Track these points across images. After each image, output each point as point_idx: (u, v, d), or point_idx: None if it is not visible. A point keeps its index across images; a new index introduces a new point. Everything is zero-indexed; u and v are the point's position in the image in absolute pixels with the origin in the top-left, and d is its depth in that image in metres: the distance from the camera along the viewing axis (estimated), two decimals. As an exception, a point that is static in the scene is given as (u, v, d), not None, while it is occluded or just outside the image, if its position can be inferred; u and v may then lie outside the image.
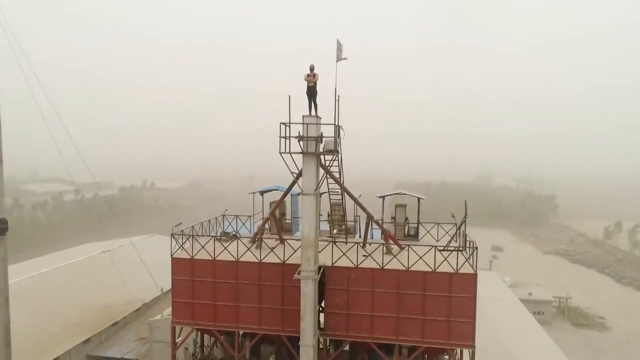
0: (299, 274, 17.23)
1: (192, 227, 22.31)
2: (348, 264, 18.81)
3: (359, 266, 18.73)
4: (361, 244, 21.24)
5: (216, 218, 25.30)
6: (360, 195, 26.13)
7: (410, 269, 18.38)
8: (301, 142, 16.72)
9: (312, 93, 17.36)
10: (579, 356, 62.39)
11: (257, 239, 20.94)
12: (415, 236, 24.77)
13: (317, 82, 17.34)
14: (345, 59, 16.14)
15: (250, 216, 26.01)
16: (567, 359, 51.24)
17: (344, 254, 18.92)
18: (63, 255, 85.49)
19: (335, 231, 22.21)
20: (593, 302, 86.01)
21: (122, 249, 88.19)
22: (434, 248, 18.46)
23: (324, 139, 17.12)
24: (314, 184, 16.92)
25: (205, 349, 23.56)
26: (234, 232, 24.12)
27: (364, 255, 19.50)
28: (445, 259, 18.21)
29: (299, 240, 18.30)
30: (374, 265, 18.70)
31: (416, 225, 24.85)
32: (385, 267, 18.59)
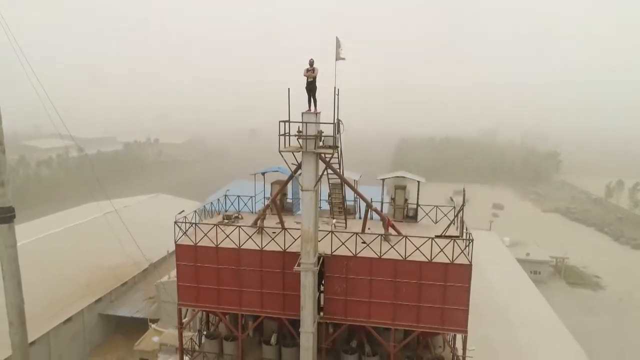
0: (298, 265, 17.78)
1: (195, 211, 22.75)
2: (347, 253, 19.31)
3: (358, 255, 19.24)
4: (360, 233, 21.74)
5: (218, 199, 25.70)
6: (360, 177, 26.38)
7: (407, 258, 18.88)
8: (300, 140, 16.73)
9: (311, 88, 17.16)
10: (572, 315, 64.72)
11: (258, 225, 21.40)
12: (414, 217, 25.20)
13: (317, 77, 17.09)
14: (343, 58, 15.83)
15: (251, 197, 26.38)
16: (559, 319, 53.31)
17: (343, 243, 19.38)
18: (69, 215, 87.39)
19: (334, 221, 22.57)
20: (590, 261, 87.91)
21: (127, 209, 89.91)
22: (430, 240, 18.82)
23: (323, 137, 17.10)
24: (313, 181, 17.10)
25: (210, 326, 24.67)
26: (236, 214, 24.61)
27: (362, 242, 19.97)
28: (442, 249, 18.65)
29: (299, 223, 18.65)
30: (372, 255, 19.19)
31: (415, 206, 25.21)
32: (382, 257, 19.09)
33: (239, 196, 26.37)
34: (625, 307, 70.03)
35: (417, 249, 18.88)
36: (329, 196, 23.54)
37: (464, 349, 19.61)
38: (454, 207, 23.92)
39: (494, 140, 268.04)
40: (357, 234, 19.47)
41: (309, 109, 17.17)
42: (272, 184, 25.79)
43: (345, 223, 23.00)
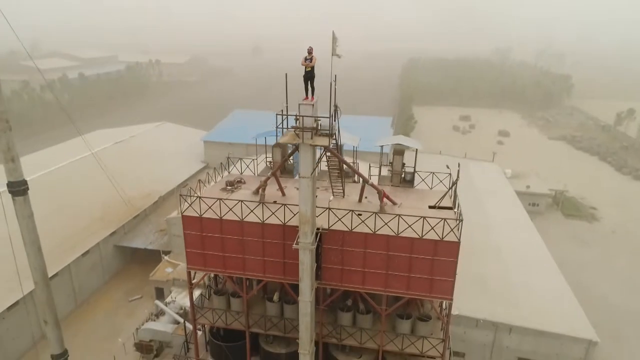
0: (297, 244, 19.00)
1: (199, 181, 23.65)
2: (343, 228, 20.44)
3: (353, 231, 20.38)
4: (357, 202, 22.77)
5: (221, 163, 26.43)
6: (360, 140, 26.76)
7: (400, 234, 20.02)
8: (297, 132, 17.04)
9: (309, 77, 17.10)
10: (564, 247, 67.48)
11: (259, 199, 22.38)
12: (411, 182, 26.01)
13: (315, 65, 16.95)
14: (339, 55, 15.57)
15: (253, 159, 27.07)
16: (549, 252, 55.80)
17: (340, 219, 20.45)
18: (77, 144, 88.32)
19: (332, 198, 23.37)
20: (589, 192, 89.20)
21: (134, 139, 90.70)
22: (422, 219, 19.77)
23: (320, 124, 17.36)
24: (311, 169, 17.68)
25: (218, 283, 26.70)
26: (238, 179, 25.49)
27: (358, 215, 21.04)
28: (432, 228, 19.69)
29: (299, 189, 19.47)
30: (367, 230, 20.33)
31: (412, 171, 25.92)
32: (376, 232, 20.24)
33: (241, 159, 27.09)
34: (617, 239, 72.49)
35: (410, 226, 19.95)
36: (327, 160, 24.13)
37: (449, 313, 21.48)
38: (450, 174, 24.63)
39: (506, 60, 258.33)
40: (352, 211, 20.46)
41: (306, 98, 17.27)
42: (273, 147, 26.29)
43: (343, 190, 23.80)
